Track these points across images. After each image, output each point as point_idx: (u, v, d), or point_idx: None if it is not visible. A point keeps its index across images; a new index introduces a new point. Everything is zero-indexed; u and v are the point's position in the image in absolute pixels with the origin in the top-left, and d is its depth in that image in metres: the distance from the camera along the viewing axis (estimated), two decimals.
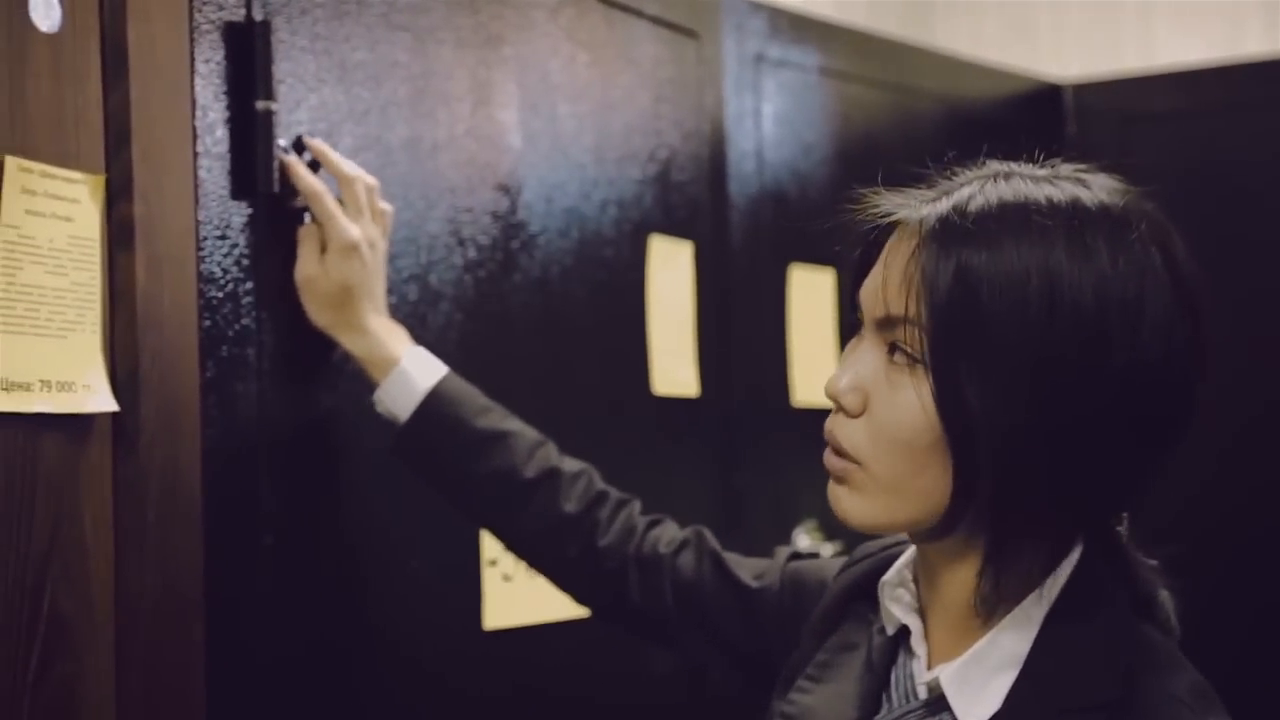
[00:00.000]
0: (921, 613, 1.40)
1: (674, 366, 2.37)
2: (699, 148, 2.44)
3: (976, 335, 1.24)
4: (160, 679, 1.61)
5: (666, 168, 2.37)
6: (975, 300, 1.24)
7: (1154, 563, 1.38)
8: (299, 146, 1.79)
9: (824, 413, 2.47)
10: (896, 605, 1.41)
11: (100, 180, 1.57)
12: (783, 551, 1.73)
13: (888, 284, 1.30)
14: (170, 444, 1.63)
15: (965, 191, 1.30)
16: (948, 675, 1.33)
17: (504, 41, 2.08)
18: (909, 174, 1.39)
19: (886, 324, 1.30)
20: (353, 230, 1.75)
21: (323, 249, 1.78)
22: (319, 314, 1.79)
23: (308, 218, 1.77)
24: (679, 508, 2.32)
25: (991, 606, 1.32)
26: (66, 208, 1.53)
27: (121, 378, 1.59)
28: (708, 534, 1.79)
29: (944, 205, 1.29)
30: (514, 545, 1.86)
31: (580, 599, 1.86)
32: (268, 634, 1.74)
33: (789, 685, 1.49)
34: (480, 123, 2.05)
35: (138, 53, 1.61)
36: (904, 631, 1.41)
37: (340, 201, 1.77)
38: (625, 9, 2.29)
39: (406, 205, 1.94)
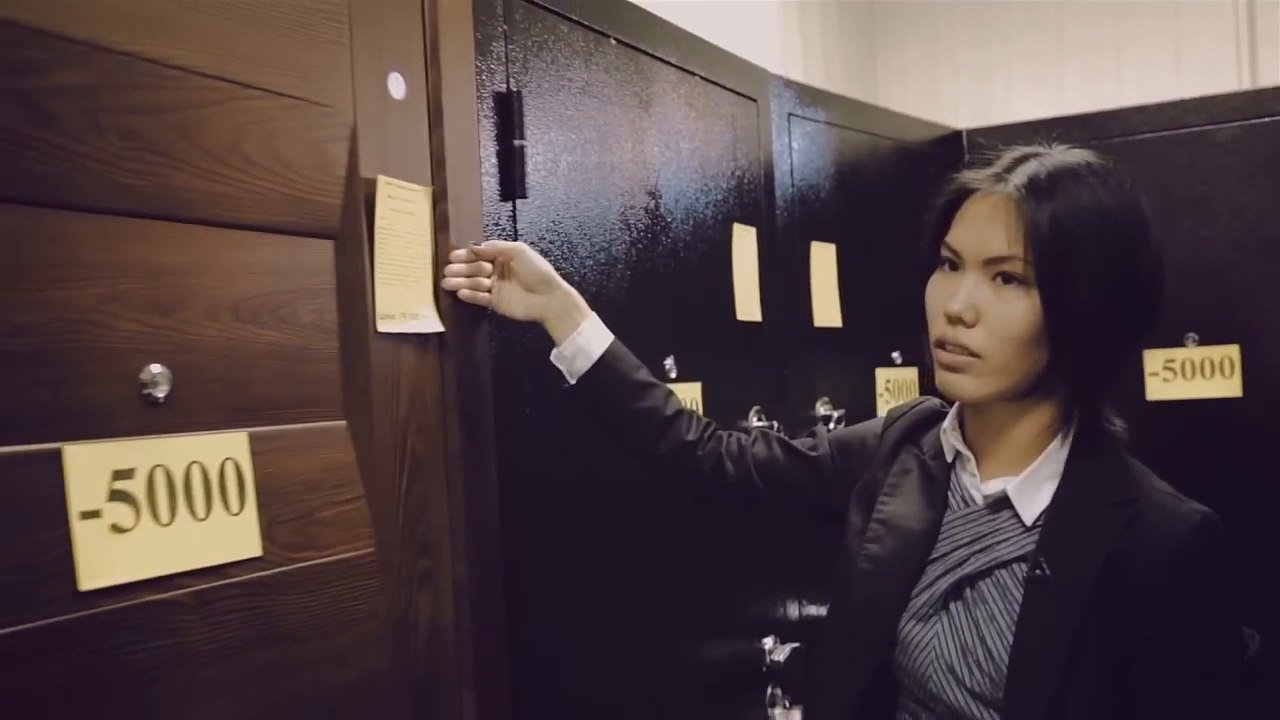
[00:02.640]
0: (970, 447, 1.38)
1: (747, 303, 2.36)
2: (758, 170, 2.42)
3: (1069, 259, 1.23)
4: (473, 490, 1.62)
5: (740, 181, 2.35)
6: (1066, 236, 1.23)
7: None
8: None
9: (832, 330, 2.48)
10: (956, 440, 1.38)
11: (429, 190, 1.57)
12: (822, 430, 1.66)
13: (990, 234, 1.27)
14: (471, 350, 1.63)
15: (1029, 165, 1.28)
16: (1014, 486, 1.31)
17: (650, 104, 2.06)
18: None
19: (994, 261, 1.27)
20: (514, 244, 1.60)
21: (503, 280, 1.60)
22: (520, 306, 1.59)
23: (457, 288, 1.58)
24: (752, 390, 2.35)
25: (1052, 439, 1.34)
26: (411, 207, 1.53)
27: (444, 310, 1.58)
28: (770, 431, 1.69)
29: (1020, 177, 1.26)
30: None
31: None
32: (531, 466, 1.73)
33: (869, 505, 1.45)
34: (637, 154, 2.03)
35: (449, 111, 1.59)
36: (955, 459, 1.39)
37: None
38: (717, 84, 2.27)
39: (596, 204, 1.92)
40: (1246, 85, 3.75)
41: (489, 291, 1.59)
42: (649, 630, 2.00)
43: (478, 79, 1.65)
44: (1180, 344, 2.84)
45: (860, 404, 2.69)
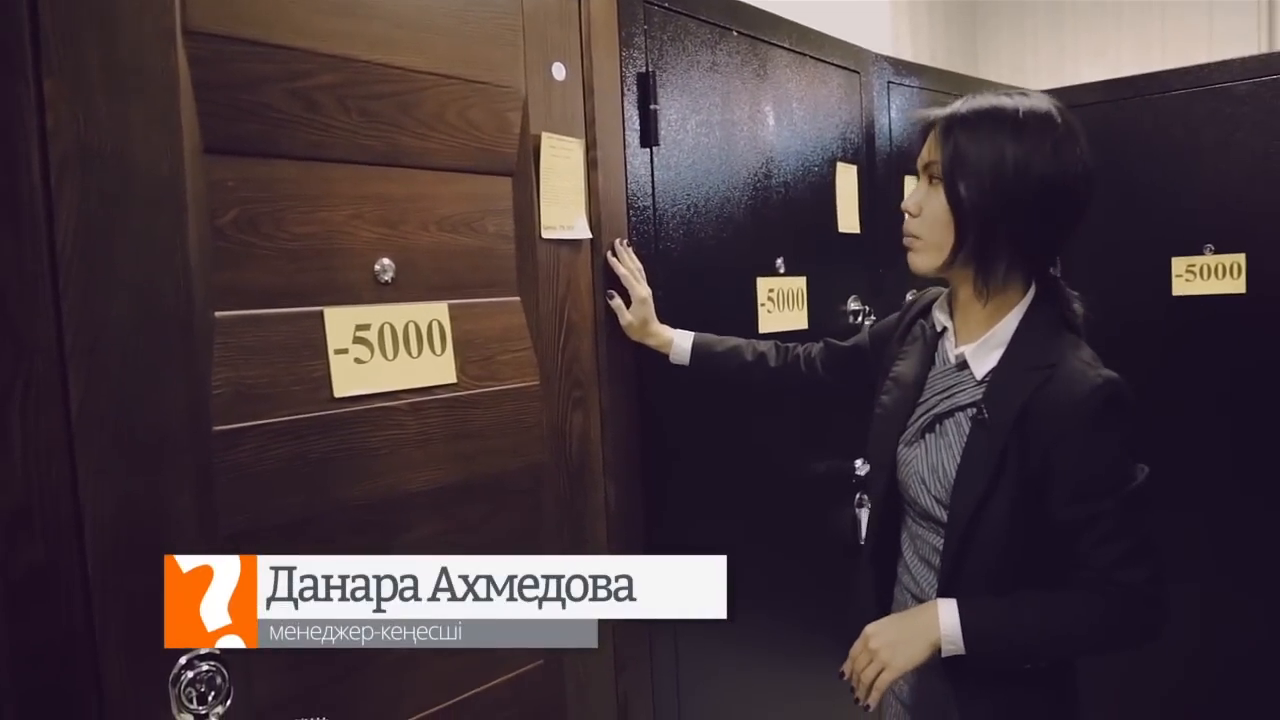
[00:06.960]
0: (953, 322, 1.36)
1: (848, 219, 2.29)
2: (859, 123, 2.32)
3: (964, 167, 1.21)
4: (617, 352, 1.66)
5: (844, 132, 2.26)
6: (963, 153, 1.20)
7: (1075, 293, 1.32)
8: (613, 251, 1.66)
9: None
10: (942, 316, 1.37)
11: (582, 142, 1.59)
12: (866, 328, 1.68)
13: (928, 148, 1.27)
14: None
15: (961, 103, 1.25)
16: (969, 350, 1.30)
17: (765, 77, 2.01)
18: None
19: (928, 167, 1.26)
20: (645, 290, 1.67)
21: (627, 304, 1.67)
22: (636, 335, 1.68)
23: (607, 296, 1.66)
24: (851, 283, 2.28)
25: (984, 299, 1.30)
26: (569, 154, 1.57)
27: (592, 223, 1.62)
28: (829, 340, 1.72)
29: (947, 110, 1.25)
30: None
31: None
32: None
33: (889, 369, 1.45)
34: (754, 113, 1.98)
35: (599, 86, 1.62)
36: (943, 331, 1.37)
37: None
38: (826, 62, 2.18)
39: (719, 149, 1.88)
40: (1265, 50, 3.29)
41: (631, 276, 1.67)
42: (765, 445, 2.00)
43: (623, 63, 1.66)
44: (1200, 253, 2.58)
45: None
